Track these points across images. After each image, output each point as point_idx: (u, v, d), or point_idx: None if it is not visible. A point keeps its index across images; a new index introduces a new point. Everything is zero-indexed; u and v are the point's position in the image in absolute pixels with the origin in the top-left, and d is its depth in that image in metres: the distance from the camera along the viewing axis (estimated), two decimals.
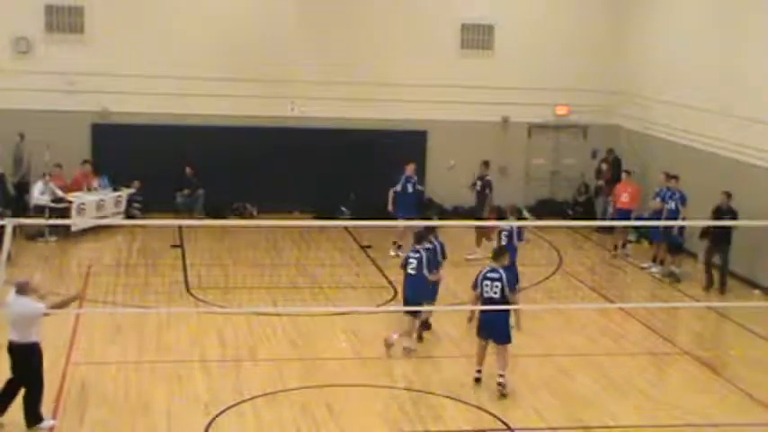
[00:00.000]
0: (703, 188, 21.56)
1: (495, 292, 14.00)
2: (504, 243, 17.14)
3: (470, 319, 15.08)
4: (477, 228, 21.16)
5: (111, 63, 23.69)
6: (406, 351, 15.37)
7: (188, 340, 15.74)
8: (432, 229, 16.24)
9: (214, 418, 12.83)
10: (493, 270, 14.19)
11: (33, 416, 12.37)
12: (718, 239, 19.49)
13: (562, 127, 26.38)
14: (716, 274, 19.54)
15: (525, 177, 26.24)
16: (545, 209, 25.63)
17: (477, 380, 14.32)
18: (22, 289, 12.51)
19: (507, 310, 14.12)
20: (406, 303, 15.61)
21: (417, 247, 15.62)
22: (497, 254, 14.60)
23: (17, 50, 23.54)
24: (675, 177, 20.72)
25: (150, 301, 17.65)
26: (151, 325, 16.14)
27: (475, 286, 14.29)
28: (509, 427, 12.95)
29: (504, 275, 14.09)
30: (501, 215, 18.35)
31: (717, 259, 19.62)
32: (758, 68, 20.24)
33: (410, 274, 15.48)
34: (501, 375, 14.02)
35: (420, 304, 15.40)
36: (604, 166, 24.72)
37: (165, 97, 23.80)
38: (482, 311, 14.16)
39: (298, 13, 24.86)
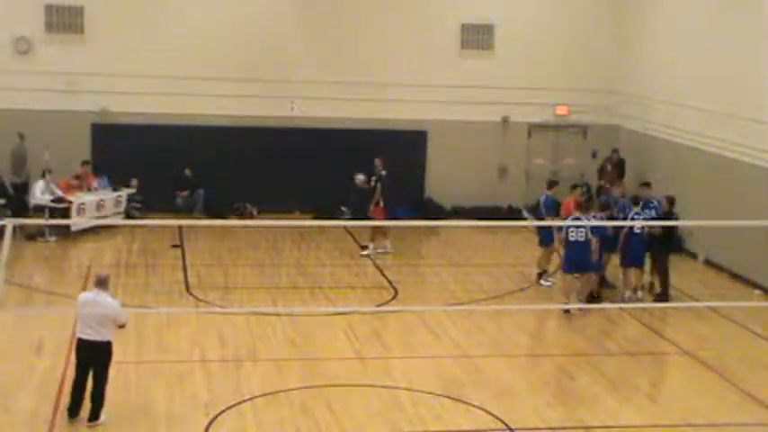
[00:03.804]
0: (703, 188, 21.60)
1: (581, 236, 17.67)
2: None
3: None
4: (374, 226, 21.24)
5: (111, 63, 23.69)
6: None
7: (188, 340, 15.74)
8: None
9: (214, 418, 12.83)
10: (577, 219, 17.80)
11: (99, 411, 12.45)
12: (657, 246, 18.79)
13: (562, 127, 26.38)
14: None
15: (525, 177, 26.23)
16: None
17: (567, 311, 17.58)
18: (104, 283, 12.48)
19: (589, 249, 17.78)
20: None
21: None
22: (583, 206, 18.33)
23: (17, 50, 23.54)
24: (648, 184, 20.23)
25: (150, 301, 17.65)
26: (151, 325, 16.13)
27: (559, 230, 18.34)
28: (509, 427, 12.95)
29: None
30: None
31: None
32: (758, 68, 20.23)
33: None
34: (579, 299, 17.78)
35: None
36: (609, 167, 24.64)
37: (165, 97, 23.80)
38: (569, 251, 17.90)
39: (298, 13, 24.86)
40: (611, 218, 18.62)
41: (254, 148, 24.33)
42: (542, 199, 20.15)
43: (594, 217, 18.23)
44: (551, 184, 20.53)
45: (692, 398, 14.28)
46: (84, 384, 12.50)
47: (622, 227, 18.44)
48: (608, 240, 18.49)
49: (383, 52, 25.01)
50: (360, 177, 21.85)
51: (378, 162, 21.69)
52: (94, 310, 12.30)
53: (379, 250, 21.42)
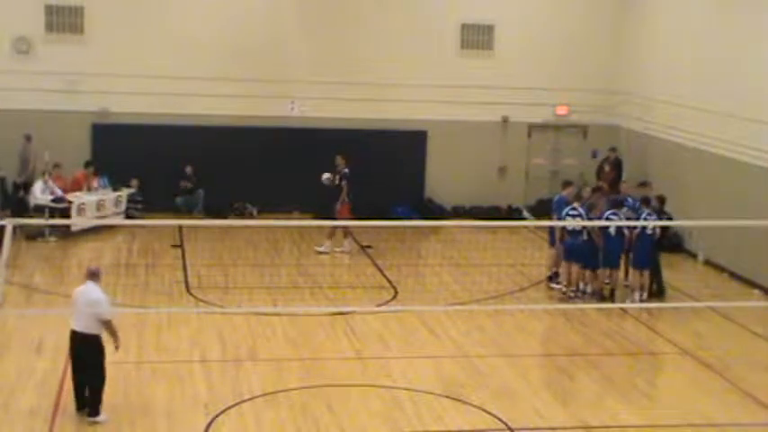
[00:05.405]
0: (703, 188, 21.61)
1: (577, 227, 18.12)
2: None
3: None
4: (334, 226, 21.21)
5: (111, 63, 23.69)
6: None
7: (188, 340, 15.75)
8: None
9: (214, 418, 12.83)
10: (574, 209, 18.36)
11: (97, 407, 12.48)
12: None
13: (562, 127, 26.39)
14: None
15: (525, 177, 26.24)
16: (545, 209, 25.59)
17: (563, 295, 18.56)
18: (95, 275, 12.61)
19: (590, 241, 18.18)
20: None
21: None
22: (578, 197, 19.06)
23: (17, 50, 23.54)
24: (645, 184, 20.19)
25: (150, 301, 17.64)
26: (151, 325, 16.14)
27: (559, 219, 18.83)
28: (509, 427, 12.95)
29: (583, 213, 18.26)
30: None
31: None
32: (758, 68, 20.23)
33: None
34: (576, 288, 18.39)
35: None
36: (607, 167, 24.60)
37: (165, 97, 23.80)
38: (566, 241, 18.41)
39: (298, 12, 24.86)
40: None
41: (254, 148, 24.34)
42: (556, 199, 20.11)
43: (616, 215, 18.32)
44: (566, 184, 20.24)
45: (692, 398, 14.29)
46: (78, 377, 12.56)
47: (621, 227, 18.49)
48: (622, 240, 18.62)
49: (383, 52, 25.00)
50: (326, 176, 21.54)
51: (340, 160, 21.57)
52: (82, 298, 12.46)
53: (336, 249, 21.44)
